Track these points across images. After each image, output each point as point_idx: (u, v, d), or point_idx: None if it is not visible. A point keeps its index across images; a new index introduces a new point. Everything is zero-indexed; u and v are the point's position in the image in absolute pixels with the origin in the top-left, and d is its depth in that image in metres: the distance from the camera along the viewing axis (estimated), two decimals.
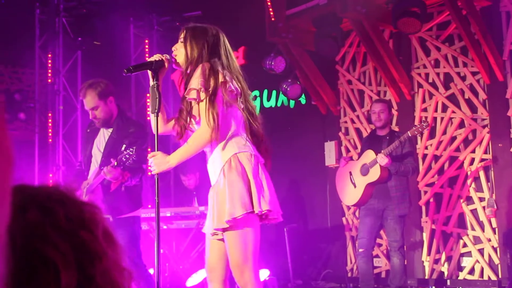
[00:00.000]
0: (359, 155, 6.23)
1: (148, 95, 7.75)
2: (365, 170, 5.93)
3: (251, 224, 3.20)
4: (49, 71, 7.86)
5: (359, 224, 6.12)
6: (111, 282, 1.03)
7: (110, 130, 4.81)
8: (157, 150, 3.24)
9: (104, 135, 4.85)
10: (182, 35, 3.40)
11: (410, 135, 5.72)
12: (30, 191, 1.04)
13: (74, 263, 0.98)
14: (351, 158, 6.47)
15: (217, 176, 3.25)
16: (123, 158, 4.38)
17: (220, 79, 3.22)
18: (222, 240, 3.29)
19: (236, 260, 3.18)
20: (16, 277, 0.94)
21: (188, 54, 3.34)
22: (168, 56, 3.34)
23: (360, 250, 5.97)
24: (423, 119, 6.13)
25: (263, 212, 3.20)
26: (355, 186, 6.02)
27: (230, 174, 3.17)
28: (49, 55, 7.84)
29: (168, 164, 3.24)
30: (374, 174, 5.83)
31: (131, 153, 4.35)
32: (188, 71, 3.33)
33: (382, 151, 5.73)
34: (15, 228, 0.96)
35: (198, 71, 3.23)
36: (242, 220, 3.15)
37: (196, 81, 3.21)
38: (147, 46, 8.47)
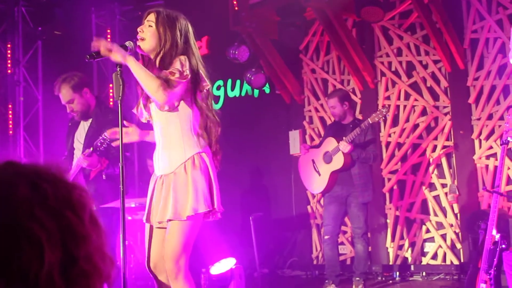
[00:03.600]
0: (321, 142, 6.26)
1: (111, 85, 7.68)
2: (328, 158, 5.97)
3: (199, 220, 3.29)
4: (9, 61, 7.70)
5: (324, 211, 6.16)
6: (94, 266, 1.02)
7: (90, 121, 4.79)
8: (121, 136, 3.21)
9: (84, 127, 4.85)
10: (152, 19, 3.33)
11: (370, 122, 5.77)
12: (20, 168, 1.03)
13: (59, 243, 0.97)
14: (311, 146, 6.47)
15: (172, 168, 3.26)
16: (98, 143, 4.35)
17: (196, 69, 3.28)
18: (164, 228, 3.32)
19: (176, 249, 3.22)
20: None
21: (162, 40, 3.28)
22: (132, 44, 3.29)
23: (326, 237, 6.02)
24: (385, 105, 6.16)
25: (217, 211, 3.33)
26: (319, 174, 6.06)
27: (194, 171, 3.23)
28: (9, 45, 7.69)
29: (125, 57, 3.12)
30: (338, 161, 5.88)
31: (105, 138, 4.31)
32: (160, 56, 3.29)
33: (344, 138, 5.77)
34: (4, 201, 0.96)
35: (178, 62, 3.21)
36: (196, 214, 3.22)
37: (177, 64, 3.20)
38: (109, 36, 8.35)
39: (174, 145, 3.29)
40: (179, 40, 3.30)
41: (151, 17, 3.34)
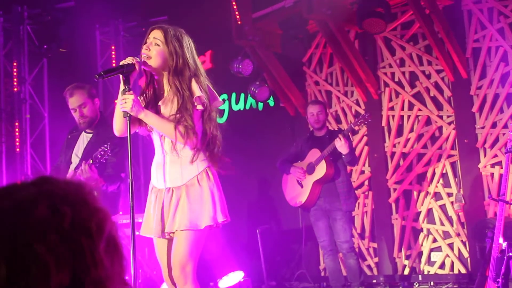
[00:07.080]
0: (294, 153, 6.28)
1: (116, 101, 7.72)
2: (311, 169, 5.98)
3: (208, 230, 3.36)
4: (15, 79, 7.75)
5: (314, 228, 6.09)
6: None
7: (90, 135, 4.79)
8: (129, 152, 3.23)
9: (83, 140, 4.83)
10: (158, 36, 3.30)
11: (353, 126, 5.95)
12: (49, 186, 1.05)
13: (68, 267, 0.99)
14: (292, 165, 6.28)
15: (184, 180, 3.30)
16: (98, 155, 4.33)
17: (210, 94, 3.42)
18: (171, 239, 3.38)
19: (185, 257, 3.27)
20: (7, 268, 0.95)
21: (172, 58, 3.29)
22: (138, 59, 3.27)
23: (324, 251, 6.02)
24: (366, 114, 6.09)
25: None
26: (302, 186, 6.05)
27: (209, 183, 3.30)
28: (14, 64, 7.74)
29: (142, 112, 3.26)
30: (320, 170, 5.89)
31: (105, 149, 4.30)
32: (171, 75, 3.31)
33: (341, 133, 5.76)
34: (20, 221, 0.98)
35: (196, 85, 3.28)
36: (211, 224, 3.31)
37: (198, 91, 3.28)
38: (113, 52, 8.41)
39: (185, 158, 3.32)
40: (189, 58, 3.33)
41: (157, 34, 3.32)
